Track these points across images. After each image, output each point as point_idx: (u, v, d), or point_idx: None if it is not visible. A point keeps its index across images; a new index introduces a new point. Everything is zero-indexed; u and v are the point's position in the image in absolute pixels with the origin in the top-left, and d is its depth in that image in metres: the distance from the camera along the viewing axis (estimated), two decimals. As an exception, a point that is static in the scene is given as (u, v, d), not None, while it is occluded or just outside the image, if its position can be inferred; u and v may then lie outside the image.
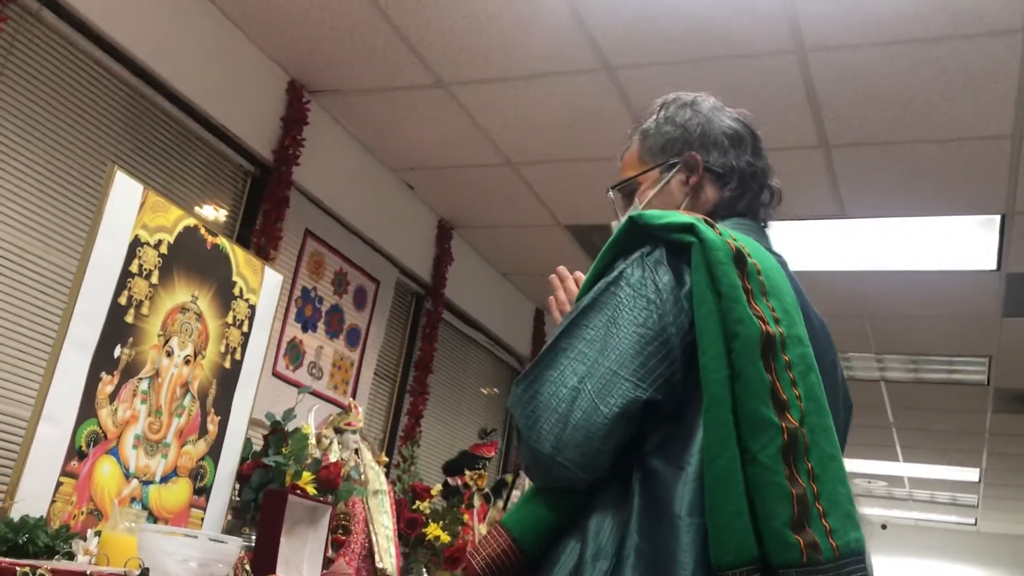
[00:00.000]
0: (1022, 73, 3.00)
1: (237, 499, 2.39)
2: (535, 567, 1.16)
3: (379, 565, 2.64)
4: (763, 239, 1.36)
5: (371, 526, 2.69)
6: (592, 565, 1.08)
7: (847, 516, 1.05)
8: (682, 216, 1.19)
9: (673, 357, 1.12)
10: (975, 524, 11.36)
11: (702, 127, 1.42)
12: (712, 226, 1.18)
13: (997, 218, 3.97)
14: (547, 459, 1.12)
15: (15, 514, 1.74)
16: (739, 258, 1.14)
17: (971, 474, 8.63)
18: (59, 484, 1.87)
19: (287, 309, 3.82)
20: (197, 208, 3.41)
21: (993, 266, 4.40)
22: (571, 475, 1.12)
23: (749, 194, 1.40)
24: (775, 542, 1.02)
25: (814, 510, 1.03)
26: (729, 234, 1.18)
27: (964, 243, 4.27)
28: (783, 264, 1.29)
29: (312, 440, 2.54)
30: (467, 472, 3.39)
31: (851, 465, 7.89)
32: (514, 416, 1.17)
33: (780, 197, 1.45)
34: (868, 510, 11.68)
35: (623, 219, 1.24)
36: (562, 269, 1.45)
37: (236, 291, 2.35)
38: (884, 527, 12.25)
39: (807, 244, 4.55)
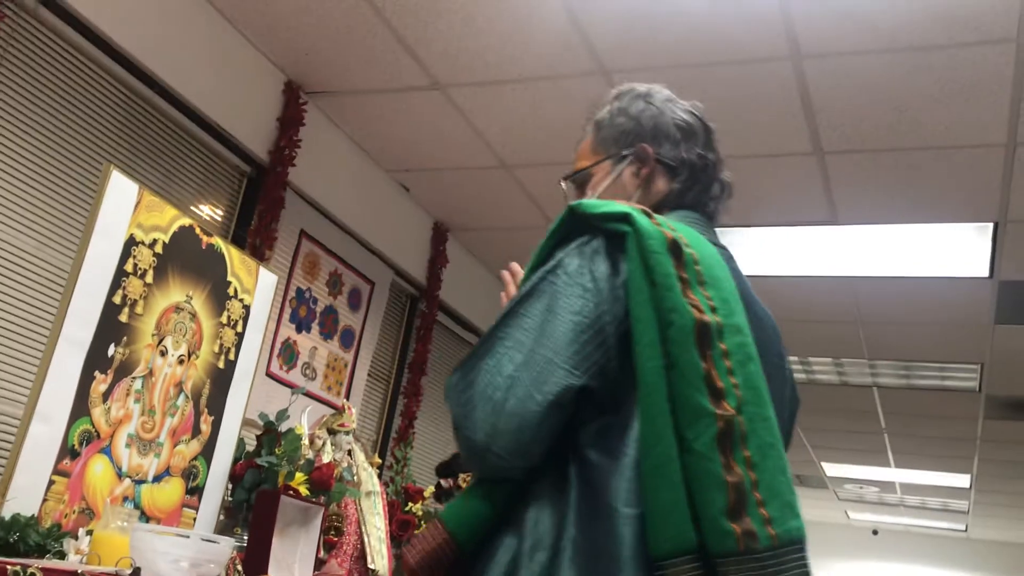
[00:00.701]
0: (1016, 82, 3.01)
1: (229, 499, 2.39)
2: (474, 561, 1.16)
3: (371, 566, 2.64)
4: (708, 231, 1.36)
5: (363, 527, 2.69)
6: (529, 557, 1.08)
7: (786, 505, 1.04)
8: (619, 205, 1.20)
9: (608, 345, 1.12)
10: (965, 530, 11.38)
11: (655, 119, 1.42)
12: (650, 216, 1.19)
13: (990, 226, 3.99)
14: (481, 448, 1.11)
15: (6, 512, 1.75)
16: (675, 247, 1.14)
17: (962, 480, 8.66)
18: (51, 482, 1.87)
19: (281, 310, 3.81)
20: (192, 208, 3.41)
21: (985, 273, 4.42)
22: (505, 464, 1.12)
23: (698, 187, 1.40)
24: (712, 531, 1.01)
25: (752, 498, 1.02)
26: (668, 224, 1.19)
27: (957, 250, 4.29)
28: (728, 257, 1.30)
29: (305, 441, 2.54)
30: (460, 474, 3.39)
31: (843, 470, 7.92)
32: (450, 405, 1.17)
33: (731, 191, 1.45)
34: (859, 515, 11.71)
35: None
36: (514, 265, 1.45)
37: (231, 291, 2.36)
38: (875, 532, 12.27)
39: (800, 250, 4.57)
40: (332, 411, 2.91)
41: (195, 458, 2.27)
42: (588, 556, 1.04)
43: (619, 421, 1.11)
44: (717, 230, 1.42)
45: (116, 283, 2.00)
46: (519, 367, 1.11)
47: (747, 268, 4.41)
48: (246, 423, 2.45)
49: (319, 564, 2.42)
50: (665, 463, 1.04)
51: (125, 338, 2.03)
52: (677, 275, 1.12)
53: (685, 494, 1.03)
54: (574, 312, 1.13)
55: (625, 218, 1.17)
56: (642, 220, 1.16)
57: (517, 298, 1.19)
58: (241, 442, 2.44)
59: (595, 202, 1.23)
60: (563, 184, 1.52)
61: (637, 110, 1.44)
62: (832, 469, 9.26)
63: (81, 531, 1.89)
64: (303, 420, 2.65)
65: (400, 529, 3.01)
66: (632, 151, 1.41)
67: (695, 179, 1.40)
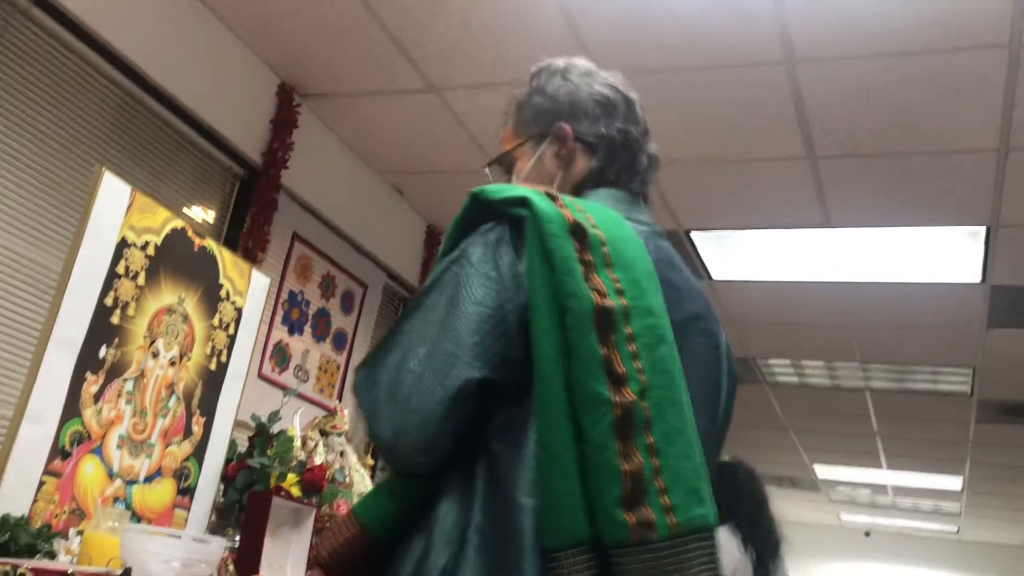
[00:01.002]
0: (1008, 87, 3.02)
1: (221, 500, 2.39)
2: (389, 555, 1.14)
3: (362, 568, 2.63)
4: (634, 208, 1.32)
5: (355, 529, 2.68)
6: (437, 551, 1.06)
7: (691, 492, 1.00)
8: (519, 189, 1.16)
9: (511, 335, 1.09)
10: (957, 532, 11.41)
11: (571, 96, 1.38)
12: (554, 199, 1.14)
13: (982, 230, 4.00)
14: (389, 445, 1.10)
15: (-3, 513, 1.74)
16: (577, 229, 1.10)
17: (954, 483, 8.68)
18: (42, 483, 1.87)
19: (274, 312, 3.81)
20: (185, 210, 3.41)
21: (978, 278, 4.43)
22: (413, 460, 1.11)
23: (618, 163, 1.35)
24: (605, 522, 0.98)
25: (652, 486, 0.98)
26: (574, 205, 1.15)
27: (949, 254, 4.30)
28: (651, 235, 1.26)
29: (297, 442, 2.54)
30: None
31: (835, 472, 7.93)
32: (358, 402, 1.15)
33: (658, 163, 1.41)
34: (852, 517, 11.73)
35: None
36: None
37: (223, 293, 2.35)
38: (867, 534, 12.29)
39: (793, 254, 4.58)
40: (324, 413, 2.91)
41: (187, 459, 2.26)
42: (494, 547, 1.03)
43: (522, 411, 1.08)
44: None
45: (108, 285, 1.99)
46: (422, 361, 1.09)
47: (740, 271, 4.41)
48: (238, 424, 2.45)
49: (311, 565, 2.41)
50: (559, 453, 1.01)
51: (116, 340, 2.03)
52: (579, 258, 1.08)
53: (580, 485, 1.00)
54: (476, 303, 1.10)
55: (523, 202, 1.12)
56: (540, 203, 1.12)
57: (423, 289, 1.16)
58: (233, 443, 2.44)
59: (497, 187, 1.18)
60: (487, 171, 1.47)
61: (553, 88, 1.39)
62: (824, 471, 9.27)
63: (72, 531, 1.89)
64: (295, 422, 2.64)
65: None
66: (550, 131, 1.37)
67: (615, 155, 1.35)
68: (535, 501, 1.03)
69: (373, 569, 1.16)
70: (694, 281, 1.30)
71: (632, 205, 1.33)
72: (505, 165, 1.45)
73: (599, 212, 1.17)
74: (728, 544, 3.10)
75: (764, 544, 3.20)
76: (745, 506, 3.26)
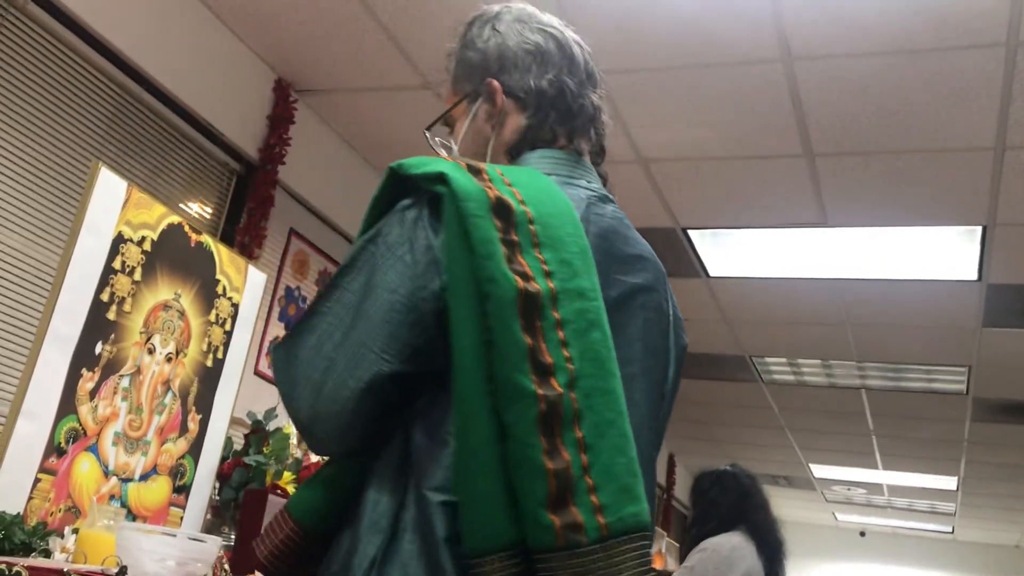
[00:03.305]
0: (1005, 86, 3.02)
1: (217, 498, 2.38)
2: (326, 546, 1.10)
3: (358, 566, 2.63)
4: (577, 170, 1.22)
5: (351, 527, 2.68)
6: (366, 540, 1.00)
7: (623, 489, 0.92)
8: (439, 163, 1.06)
9: (425, 325, 1.01)
10: (952, 532, 11.44)
11: (500, 48, 1.26)
12: (477, 172, 1.05)
13: (979, 229, 4.01)
14: (304, 428, 1.07)
15: (-8, 510, 1.73)
16: (500, 207, 1.00)
17: (949, 482, 8.70)
18: (37, 480, 1.86)
19: (270, 308, 3.80)
20: (181, 205, 3.40)
21: (974, 276, 4.44)
22: (326, 447, 1.09)
23: (552, 117, 1.23)
24: (529, 524, 0.91)
25: (582, 484, 0.91)
26: (501, 179, 1.05)
27: (946, 253, 4.31)
28: (595, 200, 1.16)
29: (293, 440, 2.53)
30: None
31: (831, 472, 7.93)
32: (276, 380, 1.11)
33: (600, 112, 1.28)
34: (847, 517, 11.75)
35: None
36: None
37: (219, 289, 2.35)
38: (863, 534, 12.32)
39: (790, 252, 4.58)
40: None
41: (182, 457, 2.26)
42: (423, 539, 0.97)
43: (440, 400, 1.01)
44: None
45: (104, 280, 1.99)
46: (336, 347, 1.04)
47: (737, 269, 4.41)
48: (234, 422, 2.44)
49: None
50: (478, 451, 0.94)
51: (112, 336, 2.02)
52: (502, 239, 0.99)
53: (502, 485, 0.93)
54: (390, 290, 1.02)
55: (440, 178, 1.03)
56: (460, 179, 1.02)
57: (339, 269, 1.09)
58: (229, 441, 2.43)
59: (416, 160, 1.08)
60: (426, 134, 1.36)
61: (483, 40, 1.28)
62: (820, 471, 9.29)
63: (67, 529, 1.88)
64: (291, 419, 2.63)
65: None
66: (482, 88, 1.26)
67: (547, 109, 1.23)
68: (445, 497, 0.97)
69: (314, 566, 1.11)
70: (643, 245, 1.20)
71: (573, 166, 1.22)
72: (450, 126, 1.35)
73: (529, 184, 1.07)
74: (744, 548, 3.12)
75: (773, 547, 3.20)
76: (755, 510, 3.26)
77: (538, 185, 1.09)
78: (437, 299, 1.01)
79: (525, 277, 0.97)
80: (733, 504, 3.25)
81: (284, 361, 1.09)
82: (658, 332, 1.17)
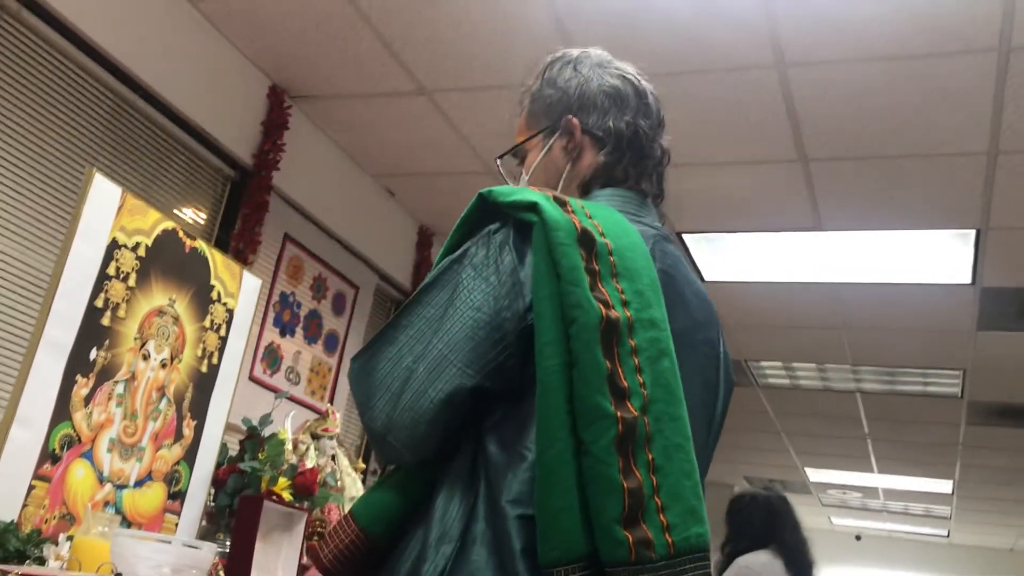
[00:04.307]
0: (997, 90, 3.04)
1: (212, 504, 2.38)
2: (387, 556, 1.13)
3: (354, 572, 2.62)
4: (642, 209, 1.29)
5: (346, 533, 2.67)
6: (435, 549, 1.04)
7: (689, 511, 0.99)
8: (529, 193, 1.12)
9: (507, 343, 1.07)
10: (947, 536, 11.45)
11: (581, 88, 1.34)
12: (564, 204, 1.12)
13: (972, 232, 4.02)
14: (379, 437, 1.11)
15: (-14, 518, 1.73)
16: (585, 238, 1.07)
17: (944, 486, 8.71)
18: (31, 488, 1.86)
19: (265, 314, 3.80)
20: (176, 211, 3.40)
21: (968, 280, 4.45)
22: (400, 455, 1.11)
23: (628, 158, 1.31)
24: (604, 539, 0.96)
25: (652, 504, 0.97)
26: (584, 211, 1.12)
27: (940, 257, 4.32)
28: (660, 238, 1.23)
29: (288, 446, 2.53)
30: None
31: (826, 476, 7.94)
32: (352, 390, 1.15)
33: (668, 157, 1.36)
34: (842, 521, 11.76)
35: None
36: None
37: (214, 295, 2.34)
38: (858, 538, 12.32)
39: (784, 256, 4.59)
40: (316, 416, 2.90)
41: (177, 463, 2.25)
42: (492, 551, 1.01)
43: (516, 415, 1.07)
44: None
45: (98, 286, 1.98)
46: (417, 359, 1.09)
47: (732, 273, 4.42)
48: (229, 428, 2.44)
49: (302, 570, 2.40)
50: (558, 466, 0.99)
51: (107, 342, 2.01)
52: (586, 267, 1.05)
53: (578, 499, 0.98)
54: (474, 308, 1.08)
55: (533, 207, 1.09)
56: (550, 209, 1.09)
57: (423, 286, 1.15)
58: (224, 447, 2.43)
59: (506, 189, 1.15)
60: (498, 163, 1.44)
61: (564, 80, 1.36)
62: (815, 474, 9.29)
63: (62, 537, 1.87)
64: (286, 425, 2.63)
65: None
66: (559, 124, 1.34)
67: (623, 150, 1.31)
68: (522, 510, 1.01)
69: (375, 571, 1.14)
70: (699, 286, 1.28)
71: (640, 206, 1.29)
72: (519, 157, 1.42)
73: (606, 218, 1.14)
74: (773, 565, 3.31)
75: (801, 566, 3.38)
76: (784, 529, 3.45)
77: (614, 219, 1.15)
78: (520, 320, 1.08)
79: (606, 305, 1.03)
80: (764, 523, 3.46)
81: (361, 371, 1.15)
82: (712, 368, 1.25)
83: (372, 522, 1.15)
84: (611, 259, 1.08)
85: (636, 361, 1.02)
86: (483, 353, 1.07)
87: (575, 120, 1.33)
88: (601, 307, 1.03)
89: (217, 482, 2.36)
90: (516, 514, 1.01)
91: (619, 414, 0.99)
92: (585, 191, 1.31)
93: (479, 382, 1.07)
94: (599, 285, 1.05)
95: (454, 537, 1.04)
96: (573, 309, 1.02)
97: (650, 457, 0.99)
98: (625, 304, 1.05)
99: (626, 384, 1.01)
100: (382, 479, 1.19)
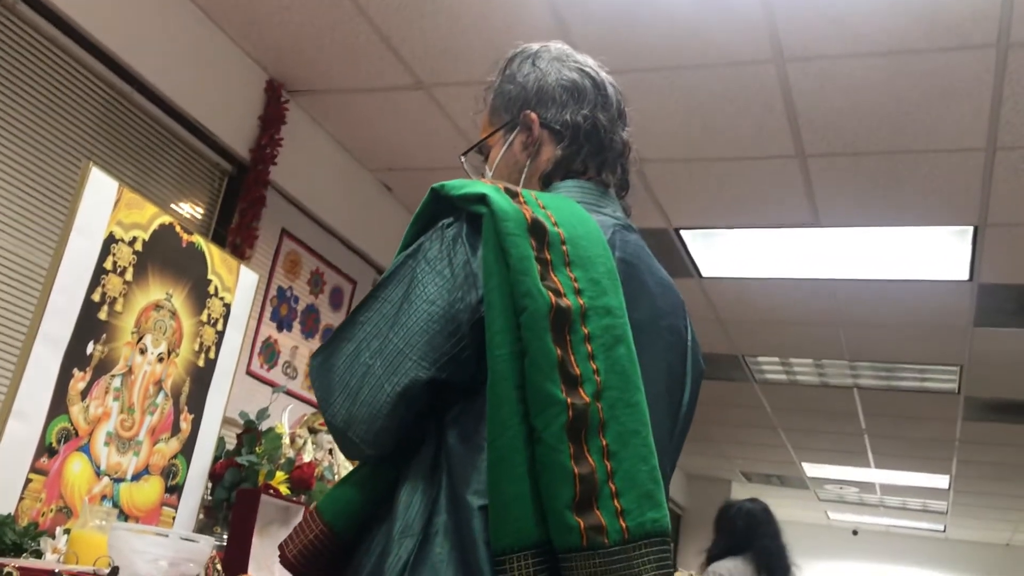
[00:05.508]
0: (996, 86, 3.04)
1: (209, 498, 2.38)
2: (352, 551, 1.14)
3: (351, 566, 2.63)
4: (603, 200, 1.30)
5: (344, 527, 2.68)
6: (399, 543, 1.05)
7: (646, 495, 0.98)
8: (480, 186, 1.13)
9: (461, 335, 1.08)
10: (944, 531, 11.48)
11: (539, 82, 1.35)
12: (515, 195, 1.12)
13: (970, 229, 4.02)
14: (340, 433, 1.12)
15: (-17, 511, 1.73)
16: (536, 227, 1.08)
17: (941, 481, 8.73)
18: (28, 481, 1.86)
19: (262, 308, 3.80)
20: (173, 206, 3.39)
21: (965, 276, 4.45)
22: (360, 451, 1.12)
23: (585, 151, 1.32)
24: (556, 525, 0.97)
25: (606, 490, 0.97)
26: (535, 202, 1.13)
27: (937, 253, 4.32)
28: (620, 228, 1.24)
29: (286, 440, 2.53)
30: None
31: (823, 471, 7.96)
32: (313, 387, 1.17)
33: (629, 149, 1.38)
34: (839, 516, 11.78)
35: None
36: None
37: (211, 289, 2.34)
38: (855, 533, 12.35)
39: (782, 252, 4.59)
40: (313, 410, 2.90)
41: (175, 456, 2.25)
42: (455, 543, 1.02)
43: (474, 407, 1.08)
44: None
45: (95, 280, 1.98)
46: (374, 354, 1.10)
47: (730, 269, 4.42)
48: (226, 422, 2.44)
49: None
50: (509, 454, 1.00)
51: (104, 336, 2.01)
52: (537, 257, 1.06)
53: (530, 486, 0.98)
54: (429, 301, 1.09)
55: (482, 199, 1.10)
56: (499, 200, 1.09)
57: (379, 282, 1.16)
58: (221, 441, 2.43)
59: (458, 182, 1.16)
60: (463, 160, 1.44)
61: (523, 74, 1.37)
62: (812, 470, 9.31)
63: (58, 530, 1.88)
64: (284, 419, 2.64)
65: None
66: (519, 119, 1.35)
67: (581, 142, 1.32)
68: (484, 501, 1.01)
69: (342, 566, 1.15)
70: (663, 275, 1.28)
71: (600, 197, 1.30)
72: (484, 153, 1.42)
73: (561, 208, 1.15)
74: (743, 571, 3.55)
75: (775, 570, 3.60)
76: (763, 536, 3.67)
77: (569, 209, 1.16)
78: (473, 311, 1.08)
79: (557, 293, 1.04)
80: (743, 531, 3.69)
81: (321, 368, 1.16)
82: (678, 356, 1.25)
83: (337, 517, 1.16)
84: (563, 248, 1.09)
85: (589, 348, 1.03)
86: (438, 346, 1.08)
87: (533, 115, 1.34)
88: (551, 295, 1.03)
89: (214, 476, 2.36)
90: (479, 505, 1.02)
91: (569, 400, 0.99)
92: (546, 184, 1.32)
93: (434, 374, 1.08)
94: (551, 274, 1.06)
95: (416, 530, 1.05)
96: (523, 298, 1.03)
97: (604, 443, 0.99)
98: (579, 292, 1.06)
99: (578, 371, 1.01)
100: (347, 475, 1.20)
